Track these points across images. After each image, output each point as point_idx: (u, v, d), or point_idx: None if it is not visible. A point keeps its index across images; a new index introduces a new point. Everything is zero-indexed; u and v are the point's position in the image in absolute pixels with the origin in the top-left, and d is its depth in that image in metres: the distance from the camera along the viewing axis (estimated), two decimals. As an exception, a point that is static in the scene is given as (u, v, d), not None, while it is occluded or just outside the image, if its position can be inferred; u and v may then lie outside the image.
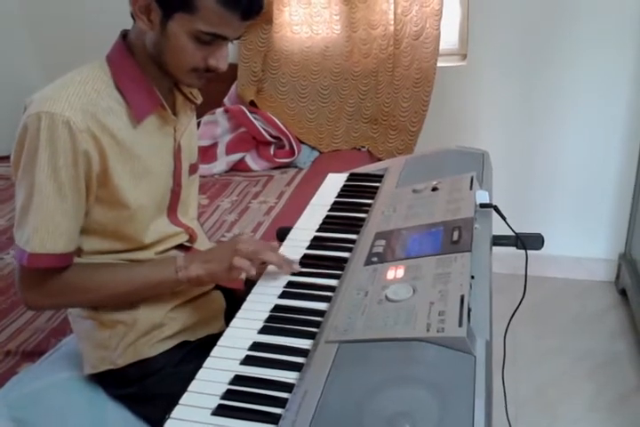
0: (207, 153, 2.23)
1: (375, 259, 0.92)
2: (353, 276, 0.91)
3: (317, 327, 0.83)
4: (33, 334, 1.39)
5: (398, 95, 2.20)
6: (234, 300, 1.06)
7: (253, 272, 0.96)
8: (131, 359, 1.04)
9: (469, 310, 0.74)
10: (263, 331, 0.85)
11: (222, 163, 2.20)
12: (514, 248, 1.04)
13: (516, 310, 1.07)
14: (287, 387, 0.73)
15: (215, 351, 0.82)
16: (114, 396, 1.08)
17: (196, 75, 0.94)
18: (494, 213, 1.03)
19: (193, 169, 1.13)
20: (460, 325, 0.69)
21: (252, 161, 2.20)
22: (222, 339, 0.85)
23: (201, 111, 2.25)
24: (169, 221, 1.09)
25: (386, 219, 1.05)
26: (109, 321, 1.03)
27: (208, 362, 0.80)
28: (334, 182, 1.30)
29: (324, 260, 1.00)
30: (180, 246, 1.11)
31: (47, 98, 0.88)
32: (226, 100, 2.32)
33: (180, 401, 0.74)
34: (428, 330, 0.71)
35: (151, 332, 1.05)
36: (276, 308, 0.90)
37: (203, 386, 0.76)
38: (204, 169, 2.19)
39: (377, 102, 2.25)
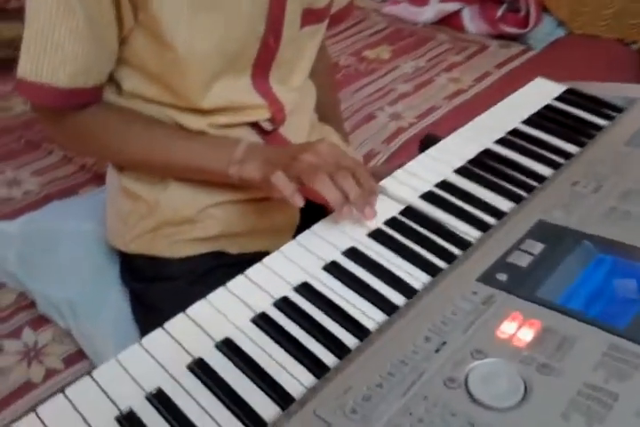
0: (419, -8, 1.73)
1: (503, 277, 0.49)
2: (446, 291, 0.50)
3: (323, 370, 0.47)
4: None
5: None
6: (319, 215, 0.70)
7: (298, 203, 0.60)
8: (142, 250, 0.78)
9: None
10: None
11: (432, 10, 1.69)
12: None
13: None
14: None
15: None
16: (123, 281, 0.85)
17: None
18: None
19: (314, 16, 0.72)
20: None
21: (469, 18, 1.66)
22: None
23: None
24: (252, 85, 0.72)
25: (573, 199, 0.58)
26: (131, 192, 0.76)
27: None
28: (537, 95, 0.80)
29: (429, 231, 0.59)
30: (256, 126, 0.75)
31: None
32: None
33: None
34: None
35: (178, 225, 0.76)
36: (303, 287, 0.54)
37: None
38: (408, 13, 1.73)
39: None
